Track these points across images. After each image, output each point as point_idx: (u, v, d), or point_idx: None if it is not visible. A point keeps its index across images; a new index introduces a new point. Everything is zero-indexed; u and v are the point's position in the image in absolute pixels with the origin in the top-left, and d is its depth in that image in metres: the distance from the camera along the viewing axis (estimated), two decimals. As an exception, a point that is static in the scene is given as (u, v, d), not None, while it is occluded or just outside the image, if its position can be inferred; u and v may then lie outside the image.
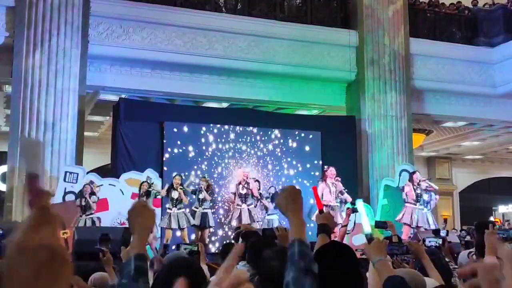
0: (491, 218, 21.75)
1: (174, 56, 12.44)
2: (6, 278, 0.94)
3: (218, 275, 1.09)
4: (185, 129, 12.54)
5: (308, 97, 14.08)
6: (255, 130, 13.14)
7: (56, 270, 0.95)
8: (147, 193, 10.88)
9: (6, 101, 14.26)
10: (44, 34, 11.22)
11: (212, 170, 12.61)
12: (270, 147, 13.24)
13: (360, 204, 7.95)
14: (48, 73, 11.13)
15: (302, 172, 13.24)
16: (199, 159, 12.52)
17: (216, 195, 12.11)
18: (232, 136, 12.95)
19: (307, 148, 13.40)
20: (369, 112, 13.79)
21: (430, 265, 3.56)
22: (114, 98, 13.00)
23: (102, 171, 13.20)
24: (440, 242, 5.65)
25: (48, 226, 1.01)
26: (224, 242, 8.73)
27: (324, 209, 11.04)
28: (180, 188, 11.10)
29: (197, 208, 11.26)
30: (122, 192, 11.20)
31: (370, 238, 2.82)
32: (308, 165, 13.29)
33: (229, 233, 12.26)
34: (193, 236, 11.29)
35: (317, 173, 13.00)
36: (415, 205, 11.66)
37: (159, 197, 11.23)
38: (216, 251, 11.01)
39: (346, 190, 11.84)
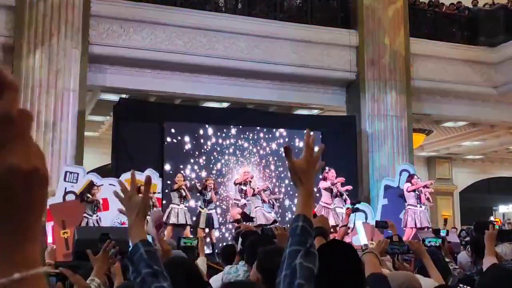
0: (492, 218, 21.75)
1: (175, 56, 12.45)
2: None
3: None
4: (186, 129, 12.55)
5: (308, 97, 14.09)
6: (257, 128, 13.20)
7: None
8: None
9: (6, 101, 14.25)
10: (44, 34, 11.22)
11: (211, 166, 12.60)
12: (274, 146, 13.26)
13: (358, 223, 7.97)
14: (49, 73, 11.14)
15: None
16: (199, 156, 12.51)
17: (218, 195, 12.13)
18: (233, 131, 13.02)
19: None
20: (369, 112, 13.80)
21: (431, 265, 3.57)
22: (114, 98, 13.02)
23: (102, 171, 13.20)
24: (440, 242, 5.66)
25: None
26: (225, 244, 8.75)
27: (323, 210, 11.07)
28: (185, 184, 11.13)
29: (202, 209, 11.24)
30: (123, 192, 11.18)
31: (365, 249, 2.83)
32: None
33: (226, 234, 12.26)
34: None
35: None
36: (416, 206, 11.67)
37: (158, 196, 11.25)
38: (210, 251, 10.97)
39: (347, 193, 11.85)
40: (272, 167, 13.38)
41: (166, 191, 11.55)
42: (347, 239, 11.32)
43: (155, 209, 9.91)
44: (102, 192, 10.89)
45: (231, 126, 13.06)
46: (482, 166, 23.42)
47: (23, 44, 11.10)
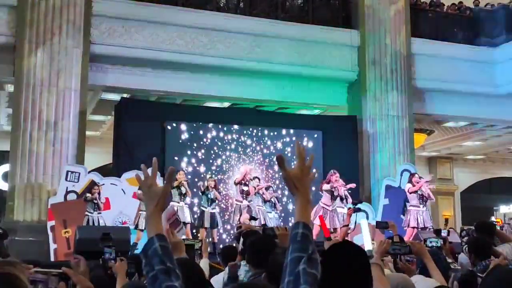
0: (493, 218, 21.74)
1: (176, 56, 12.45)
2: None
3: None
4: (187, 128, 12.55)
5: (309, 96, 14.09)
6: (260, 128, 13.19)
7: None
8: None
9: (8, 100, 14.28)
10: (46, 33, 11.23)
11: (210, 161, 12.59)
12: (279, 145, 13.26)
13: (364, 222, 7.94)
14: (50, 72, 11.15)
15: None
16: (197, 149, 12.49)
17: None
18: (235, 126, 13.03)
19: (308, 147, 13.39)
20: (370, 112, 13.79)
21: (433, 266, 3.57)
22: (116, 97, 13.03)
23: (104, 171, 13.21)
24: (441, 242, 5.66)
25: None
26: (225, 245, 8.74)
27: (321, 211, 11.01)
28: (185, 181, 11.12)
29: (206, 208, 11.22)
30: (124, 192, 11.21)
31: (370, 256, 2.83)
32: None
33: (224, 235, 12.21)
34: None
35: (318, 173, 13.01)
36: (419, 207, 11.66)
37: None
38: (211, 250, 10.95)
39: (349, 191, 11.82)
40: (276, 167, 13.33)
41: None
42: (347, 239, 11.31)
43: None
44: (103, 192, 10.91)
45: (233, 125, 13.03)
46: (483, 166, 23.40)
47: (24, 43, 11.12)
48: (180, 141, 12.48)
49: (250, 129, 13.10)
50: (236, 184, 11.70)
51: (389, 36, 14.04)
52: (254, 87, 13.46)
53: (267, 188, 11.83)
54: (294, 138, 13.37)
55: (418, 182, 11.80)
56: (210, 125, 12.80)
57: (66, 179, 10.81)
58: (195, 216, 11.66)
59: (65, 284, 2.44)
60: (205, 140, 12.67)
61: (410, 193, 11.76)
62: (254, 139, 13.14)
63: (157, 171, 2.19)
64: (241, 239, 4.91)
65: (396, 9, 14.19)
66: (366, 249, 3.50)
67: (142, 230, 10.72)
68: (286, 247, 3.26)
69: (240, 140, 13.02)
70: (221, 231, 12.26)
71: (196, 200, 11.86)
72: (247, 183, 11.60)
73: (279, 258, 2.73)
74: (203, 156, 12.59)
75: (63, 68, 11.24)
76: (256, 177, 11.88)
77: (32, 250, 10.12)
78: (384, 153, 13.64)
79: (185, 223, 11.05)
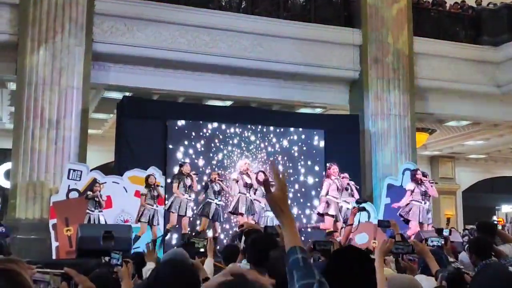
0: (494, 218, 21.73)
1: (178, 55, 12.45)
2: None
3: None
4: (189, 127, 12.54)
5: (311, 95, 14.09)
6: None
7: None
8: (154, 188, 10.91)
9: (10, 99, 14.30)
10: (48, 31, 11.24)
11: (211, 155, 12.54)
12: (285, 143, 13.20)
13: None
14: (52, 70, 11.16)
15: (304, 170, 13.22)
16: (195, 140, 12.45)
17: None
18: (237, 128, 12.97)
19: (310, 146, 13.39)
20: (372, 111, 13.78)
21: (435, 265, 3.57)
22: (118, 96, 13.04)
23: (106, 169, 13.23)
24: (442, 242, 5.65)
25: None
26: (227, 244, 8.75)
27: (332, 205, 10.97)
28: (194, 174, 11.12)
29: (213, 200, 11.25)
30: (126, 190, 11.22)
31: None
32: (310, 163, 13.27)
33: (221, 236, 12.15)
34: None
35: (320, 171, 13.00)
36: (421, 203, 11.65)
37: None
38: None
39: (353, 184, 11.80)
40: (280, 167, 13.26)
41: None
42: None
43: None
44: (105, 190, 10.92)
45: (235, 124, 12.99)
46: (485, 165, 23.38)
47: (27, 42, 11.12)
48: (176, 127, 12.42)
49: (253, 126, 13.06)
50: (237, 181, 11.61)
51: (391, 35, 14.02)
52: (256, 86, 13.46)
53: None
54: (303, 136, 13.31)
55: (421, 180, 11.77)
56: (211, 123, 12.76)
57: (68, 177, 10.82)
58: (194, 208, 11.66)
59: (67, 284, 2.44)
60: (205, 131, 12.58)
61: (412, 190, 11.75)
62: (259, 135, 13.05)
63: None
64: (243, 238, 4.90)
65: (398, 8, 14.17)
66: None
67: (147, 223, 10.78)
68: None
69: (244, 135, 12.91)
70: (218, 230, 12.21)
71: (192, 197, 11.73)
72: (249, 174, 11.56)
73: (280, 257, 2.73)
74: (202, 148, 12.49)
75: (65, 66, 11.25)
76: (261, 171, 11.83)
77: (34, 248, 10.16)
78: (386, 152, 13.63)
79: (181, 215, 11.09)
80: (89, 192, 10.66)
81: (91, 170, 11.30)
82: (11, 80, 12.28)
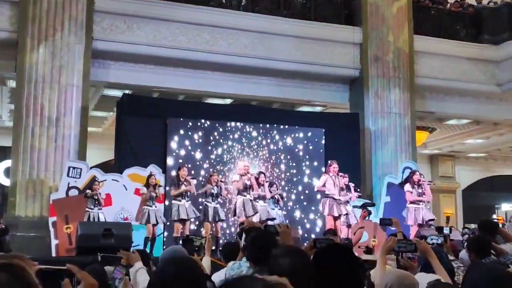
0: (494, 216, 21.74)
1: (178, 52, 12.45)
2: None
3: None
4: (188, 125, 12.53)
5: (311, 94, 14.09)
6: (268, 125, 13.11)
7: None
8: (154, 187, 10.79)
9: (10, 96, 14.30)
10: (48, 29, 11.24)
11: (210, 148, 12.45)
12: (289, 141, 13.16)
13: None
14: (52, 68, 11.15)
15: (306, 169, 13.22)
16: (192, 130, 12.43)
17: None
18: (238, 131, 12.93)
19: (310, 145, 13.38)
20: (372, 109, 13.78)
21: (438, 264, 3.55)
22: (117, 93, 13.03)
23: (106, 167, 13.23)
24: (442, 240, 5.64)
25: None
26: (226, 242, 8.72)
27: (334, 206, 10.96)
28: (191, 178, 11.06)
29: (210, 203, 11.13)
30: (125, 188, 11.22)
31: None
32: (310, 162, 13.27)
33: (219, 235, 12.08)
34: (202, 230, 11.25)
35: (320, 169, 12.99)
36: (419, 204, 11.65)
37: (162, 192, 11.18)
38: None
39: (353, 185, 11.79)
40: (283, 166, 13.20)
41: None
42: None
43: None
44: (105, 188, 10.91)
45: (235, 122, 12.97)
46: (485, 164, 23.39)
47: (27, 39, 11.12)
48: (181, 132, 12.41)
49: (253, 125, 13.02)
50: (238, 188, 11.40)
51: (392, 33, 14.02)
52: (256, 84, 13.46)
53: (271, 185, 11.76)
54: (310, 134, 13.29)
55: (418, 180, 11.78)
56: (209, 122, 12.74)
57: (68, 175, 10.82)
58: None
59: (70, 280, 2.43)
60: (204, 123, 12.54)
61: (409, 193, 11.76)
62: (261, 131, 12.96)
63: None
64: (243, 236, 4.90)
65: (398, 6, 14.17)
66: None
67: (155, 225, 10.68)
68: (287, 244, 3.26)
69: (245, 130, 12.84)
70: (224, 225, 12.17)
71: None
72: (249, 177, 11.39)
73: (281, 255, 2.72)
74: (200, 140, 12.45)
75: (65, 64, 11.24)
76: (262, 172, 11.79)
77: (34, 246, 10.16)
78: (386, 150, 13.63)
79: (184, 220, 10.91)
80: (88, 191, 10.64)
81: (90, 168, 11.30)
82: (11, 78, 12.28)
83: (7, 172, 15.24)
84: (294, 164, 13.16)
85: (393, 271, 3.23)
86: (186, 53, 12.50)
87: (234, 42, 12.93)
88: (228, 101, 14.25)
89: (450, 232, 8.65)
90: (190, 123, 12.51)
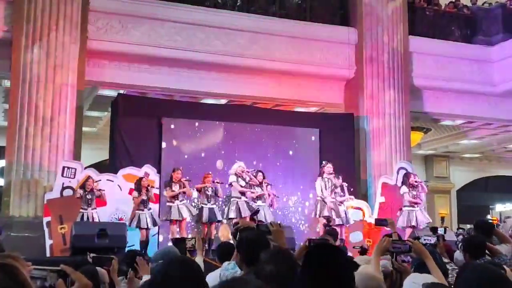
0: (488, 217, 21.78)
1: (173, 52, 12.43)
2: None
3: None
4: (183, 125, 12.51)
5: (306, 94, 14.07)
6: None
7: None
8: (146, 189, 10.73)
9: (4, 96, 14.24)
10: (43, 28, 11.21)
11: (205, 148, 12.48)
12: (284, 140, 13.16)
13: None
14: (47, 68, 11.12)
15: (299, 169, 13.21)
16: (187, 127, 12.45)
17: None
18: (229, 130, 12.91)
19: (304, 145, 13.37)
20: (367, 109, 13.79)
21: (433, 266, 3.54)
22: (112, 93, 12.99)
23: (100, 167, 13.20)
24: (436, 240, 5.64)
25: None
26: (221, 242, 8.69)
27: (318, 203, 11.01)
28: (186, 180, 11.00)
29: (205, 205, 11.08)
30: (120, 188, 11.20)
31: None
32: (305, 162, 13.26)
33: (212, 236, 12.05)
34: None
35: (315, 169, 12.98)
36: (414, 207, 11.66)
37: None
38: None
39: (346, 185, 11.80)
40: (278, 166, 13.14)
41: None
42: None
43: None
44: (99, 188, 10.87)
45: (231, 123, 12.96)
46: (480, 164, 23.42)
47: (21, 39, 11.09)
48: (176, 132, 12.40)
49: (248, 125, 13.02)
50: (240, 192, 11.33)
51: (387, 34, 14.04)
52: (251, 84, 13.44)
53: (268, 184, 11.72)
54: (304, 134, 13.29)
55: (415, 182, 11.80)
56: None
57: (62, 175, 10.79)
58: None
59: (64, 281, 2.43)
60: (198, 121, 12.54)
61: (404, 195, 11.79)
62: (256, 130, 12.97)
63: None
64: (238, 235, 4.89)
65: (393, 7, 14.19)
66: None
67: (147, 229, 10.62)
68: (275, 247, 3.25)
69: (239, 130, 12.85)
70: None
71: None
72: (244, 178, 11.35)
73: (269, 260, 2.73)
74: (195, 140, 12.42)
75: (60, 63, 11.21)
76: (260, 171, 11.74)
77: (28, 246, 10.11)
78: (380, 151, 13.64)
79: (179, 221, 10.87)
80: (79, 190, 10.51)
81: (85, 168, 11.27)
82: (5, 77, 12.23)
83: (1, 172, 15.18)
84: (288, 165, 13.14)
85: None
86: (181, 53, 12.48)
87: (229, 42, 12.92)
88: (223, 101, 14.23)
89: (445, 232, 8.65)
90: (185, 123, 12.50)
